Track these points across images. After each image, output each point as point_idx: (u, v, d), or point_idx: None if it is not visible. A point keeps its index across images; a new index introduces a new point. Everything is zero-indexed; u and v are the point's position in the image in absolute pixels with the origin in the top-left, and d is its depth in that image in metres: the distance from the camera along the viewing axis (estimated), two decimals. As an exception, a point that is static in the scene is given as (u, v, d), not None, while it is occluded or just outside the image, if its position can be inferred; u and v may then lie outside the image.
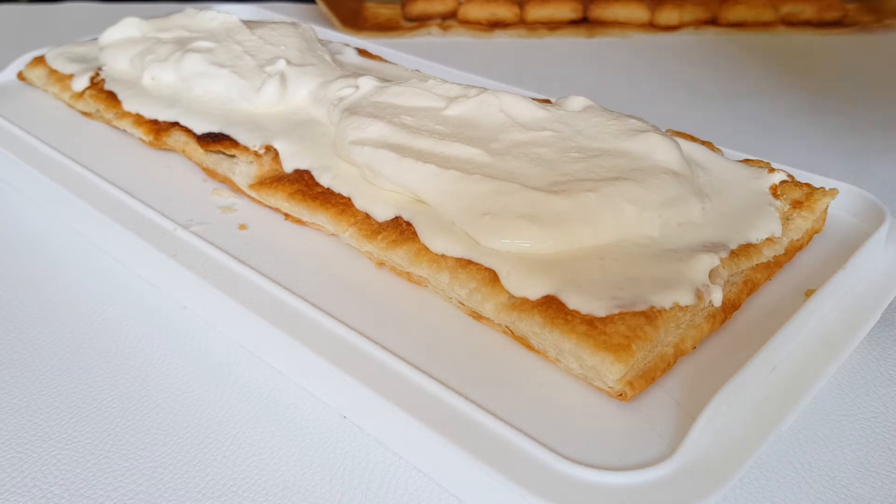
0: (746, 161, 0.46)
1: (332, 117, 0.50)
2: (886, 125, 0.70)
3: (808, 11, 0.97)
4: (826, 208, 0.44)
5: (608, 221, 0.38)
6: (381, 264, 0.42)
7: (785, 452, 0.35)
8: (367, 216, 0.43)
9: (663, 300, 0.34)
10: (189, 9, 0.66)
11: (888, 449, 0.35)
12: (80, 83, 0.60)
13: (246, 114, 0.52)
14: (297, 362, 0.38)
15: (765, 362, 0.34)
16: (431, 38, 0.97)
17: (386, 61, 0.64)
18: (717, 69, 0.86)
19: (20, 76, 0.65)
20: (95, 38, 0.66)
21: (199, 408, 0.38)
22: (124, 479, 0.34)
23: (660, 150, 0.42)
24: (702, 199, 0.41)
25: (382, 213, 0.42)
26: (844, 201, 0.46)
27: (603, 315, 0.33)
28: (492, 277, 0.37)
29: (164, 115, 0.54)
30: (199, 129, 0.51)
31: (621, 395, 0.33)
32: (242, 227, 0.46)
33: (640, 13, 0.98)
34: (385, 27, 0.99)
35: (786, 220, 0.41)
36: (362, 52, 0.65)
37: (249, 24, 0.63)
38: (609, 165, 0.41)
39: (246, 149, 0.49)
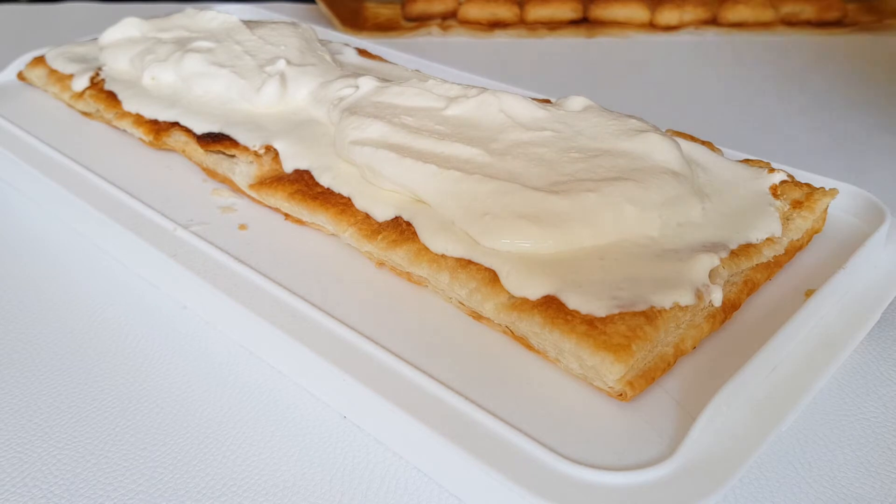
0: (746, 161, 0.46)
1: (332, 117, 0.50)
2: (886, 125, 0.70)
3: (808, 11, 0.97)
4: (826, 208, 0.44)
5: (608, 221, 0.38)
6: (381, 264, 0.42)
7: (785, 452, 0.35)
8: (367, 216, 0.43)
9: (663, 300, 0.34)
10: (189, 9, 0.66)
11: (888, 449, 0.35)
12: (80, 83, 0.60)
13: (246, 114, 0.52)
14: (297, 362, 0.38)
15: (765, 362, 0.34)
16: (431, 38, 0.97)
17: (386, 61, 0.64)
18: (717, 69, 0.86)
19: (20, 76, 0.65)
20: (95, 38, 0.66)
21: (199, 408, 0.38)
22: (124, 479, 0.34)
23: (660, 150, 0.42)
24: (702, 199, 0.41)
25: (382, 213, 0.42)
26: (844, 201, 0.46)
27: (603, 315, 0.33)
28: (492, 277, 0.37)
29: (164, 115, 0.54)
30: (199, 129, 0.51)
31: (621, 395, 0.33)
32: (242, 227, 0.46)
33: (640, 13, 0.98)
34: (385, 27, 0.99)
35: (786, 220, 0.41)
36: (362, 52, 0.65)
37: (249, 24, 0.63)
38: (609, 165, 0.41)
39: (246, 149, 0.49)
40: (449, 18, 1.01)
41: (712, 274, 0.36)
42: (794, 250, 0.42)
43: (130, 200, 0.48)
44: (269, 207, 0.48)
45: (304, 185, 0.46)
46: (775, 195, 0.43)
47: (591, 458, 0.30)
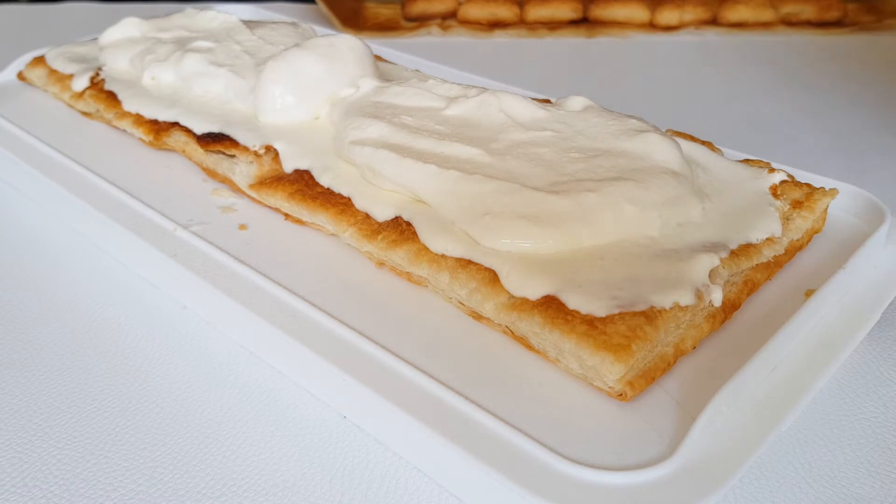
0: (746, 161, 0.46)
1: (332, 117, 0.50)
2: (886, 125, 0.70)
3: (808, 11, 0.97)
4: (826, 208, 0.44)
5: (608, 221, 0.38)
6: (381, 264, 0.42)
7: (785, 452, 0.35)
8: (367, 216, 0.43)
9: (663, 300, 0.34)
10: (189, 9, 0.66)
11: (888, 449, 0.35)
12: (80, 83, 0.60)
13: (246, 114, 0.52)
14: (297, 362, 0.38)
15: (765, 362, 0.34)
16: (431, 38, 0.97)
17: (386, 61, 0.64)
18: (717, 69, 0.86)
19: (20, 76, 0.65)
20: (95, 38, 0.66)
21: (199, 408, 0.38)
22: (124, 479, 0.34)
23: (660, 150, 0.42)
24: (702, 199, 0.41)
25: (382, 213, 0.42)
26: (844, 201, 0.46)
27: (603, 315, 0.33)
28: (492, 277, 0.37)
29: (164, 115, 0.54)
30: (199, 129, 0.51)
31: (621, 395, 0.33)
32: (242, 227, 0.46)
33: (640, 13, 0.98)
34: (385, 27, 0.99)
35: (786, 220, 0.41)
36: (362, 52, 0.65)
37: (249, 24, 0.63)
38: (609, 165, 0.41)
39: (246, 149, 0.49)
40: (449, 18, 1.01)
41: (712, 274, 0.36)
42: (794, 250, 0.42)
43: (130, 200, 0.48)
44: (269, 207, 0.48)
45: (304, 185, 0.46)
46: (775, 195, 0.43)
47: (591, 458, 0.30)
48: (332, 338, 0.36)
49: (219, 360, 0.41)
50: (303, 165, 0.47)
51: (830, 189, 0.44)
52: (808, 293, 0.38)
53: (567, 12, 0.99)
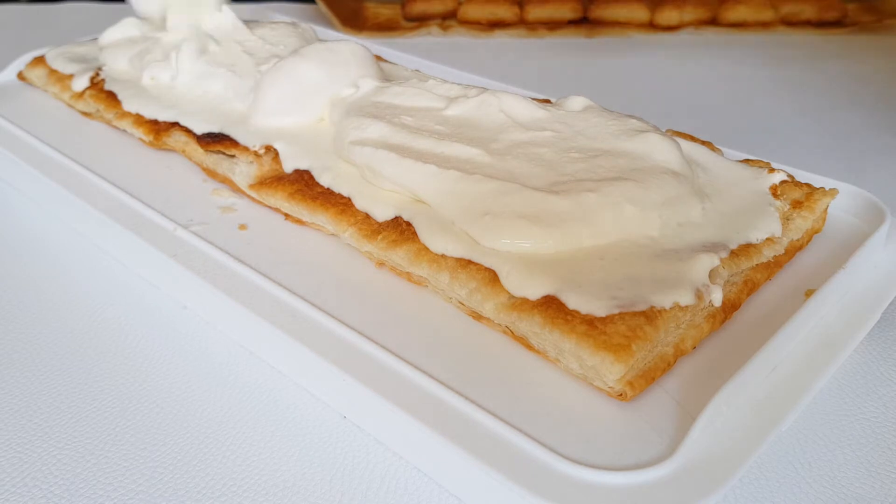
0: (746, 161, 0.46)
1: (332, 117, 0.50)
2: (886, 125, 0.70)
3: (808, 11, 0.97)
4: (826, 208, 0.44)
5: (608, 221, 0.38)
6: (381, 264, 0.42)
7: (785, 452, 0.35)
8: (367, 216, 0.43)
9: (663, 300, 0.34)
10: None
11: (888, 449, 0.35)
12: (80, 83, 0.60)
13: (245, 114, 0.52)
14: (297, 362, 0.38)
15: (765, 362, 0.34)
16: (431, 38, 0.97)
17: (386, 61, 0.64)
18: (717, 69, 0.86)
19: (20, 76, 0.65)
20: (95, 38, 0.66)
21: (199, 408, 0.38)
22: (124, 479, 0.34)
23: (660, 150, 0.42)
24: (702, 199, 0.41)
25: (382, 213, 0.42)
26: (844, 201, 0.46)
27: (603, 315, 0.33)
28: (492, 277, 0.37)
29: (163, 115, 0.54)
30: (199, 129, 0.51)
31: (621, 395, 0.33)
32: (242, 227, 0.46)
33: (640, 13, 0.98)
34: (385, 27, 0.99)
35: (786, 220, 0.41)
36: (362, 52, 0.65)
37: (249, 24, 0.63)
38: (609, 165, 0.41)
39: (246, 149, 0.49)
40: (449, 18, 1.01)
41: (712, 274, 0.36)
42: (794, 250, 0.42)
43: (130, 200, 0.48)
44: (269, 207, 0.48)
45: (304, 185, 0.46)
46: (775, 195, 0.43)
47: (591, 458, 0.30)
48: (332, 338, 0.36)
49: (219, 360, 0.41)
50: (303, 165, 0.47)
51: (830, 189, 0.44)
52: (808, 293, 0.38)
53: (567, 12, 0.99)
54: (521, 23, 0.99)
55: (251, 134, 0.50)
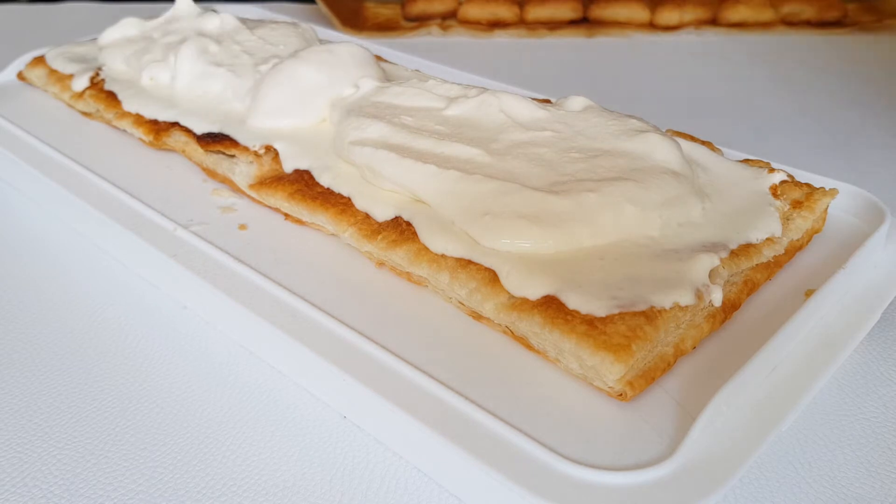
0: (746, 161, 0.46)
1: (332, 117, 0.50)
2: (886, 125, 0.70)
3: (808, 11, 0.97)
4: (826, 208, 0.44)
5: (608, 221, 0.38)
6: (381, 264, 0.42)
7: (785, 452, 0.35)
8: (367, 216, 0.43)
9: (663, 300, 0.34)
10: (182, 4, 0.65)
11: (888, 449, 0.35)
12: (80, 83, 0.60)
13: (245, 114, 0.52)
14: (297, 362, 0.38)
15: (765, 362, 0.34)
16: (431, 38, 0.97)
17: (386, 61, 0.64)
18: (717, 69, 0.86)
19: (20, 76, 0.65)
20: (95, 38, 0.66)
21: (199, 408, 0.38)
22: (124, 479, 0.34)
23: (660, 150, 0.42)
24: (702, 199, 0.41)
25: (382, 213, 0.42)
26: (844, 201, 0.46)
27: (603, 315, 0.33)
28: (492, 277, 0.37)
29: (163, 115, 0.54)
30: (199, 129, 0.51)
31: (621, 395, 0.33)
32: (242, 227, 0.46)
33: (640, 13, 0.98)
34: (385, 27, 0.99)
35: (786, 220, 0.41)
36: (362, 52, 0.65)
37: (249, 24, 0.62)
38: (609, 165, 0.41)
39: (246, 149, 0.49)
40: (449, 18, 1.01)
41: (712, 274, 0.36)
42: (794, 250, 0.42)
43: (130, 200, 0.48)
44: (269, 207, 0.48)
45: (304, 185, 0.46)
46: (775, 195, 0.43)
47: (591, 458, 0.30)
48: (332, 338, 0.36)
49: (219, 360, 0.41)
50: (303, 165, 0.47)
51: (830, 189, 0.44)
52: (808, 293, 0.38)
53: (567, 12, 0.99)
54: (521, 23, 0.99)
55: (251, 134, 0.50)
